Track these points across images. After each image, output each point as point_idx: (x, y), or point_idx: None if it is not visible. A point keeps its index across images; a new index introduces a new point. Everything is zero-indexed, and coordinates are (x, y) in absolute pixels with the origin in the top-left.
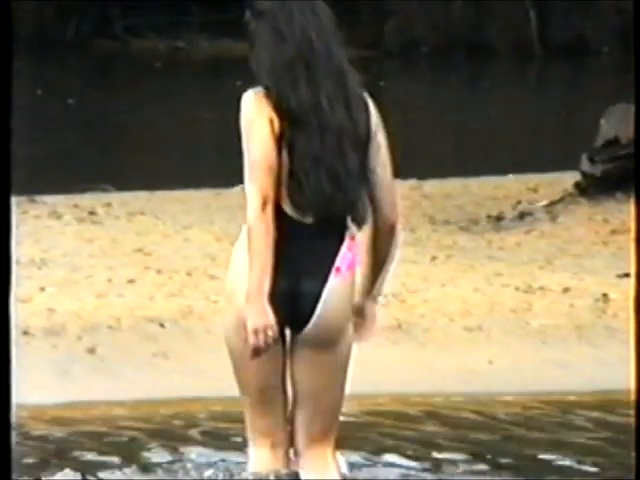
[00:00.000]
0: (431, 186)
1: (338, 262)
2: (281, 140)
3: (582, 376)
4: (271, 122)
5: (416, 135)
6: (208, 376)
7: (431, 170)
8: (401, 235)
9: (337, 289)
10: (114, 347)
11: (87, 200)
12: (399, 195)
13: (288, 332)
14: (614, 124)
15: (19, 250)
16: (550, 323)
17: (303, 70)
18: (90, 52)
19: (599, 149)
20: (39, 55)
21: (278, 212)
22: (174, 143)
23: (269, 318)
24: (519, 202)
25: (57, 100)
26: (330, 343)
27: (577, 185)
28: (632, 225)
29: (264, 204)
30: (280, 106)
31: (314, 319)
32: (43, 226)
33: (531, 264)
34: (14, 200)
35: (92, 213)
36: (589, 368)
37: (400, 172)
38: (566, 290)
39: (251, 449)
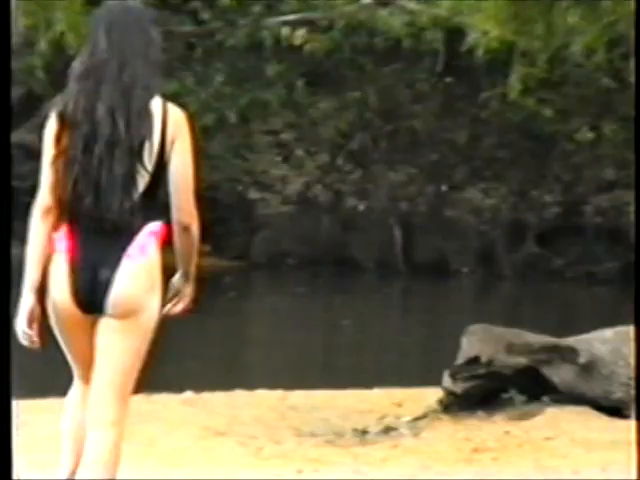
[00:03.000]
0: (298, 397)
1: (129, 250)
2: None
3: None
4: (52, 129)
5: (284, 347)
6: None
7: (298, 381)
8: (197, 237)
9: (127, 272)
10: None
11: None
12: (192, 202)
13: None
14: (474, 343)
15: None
16: None
17: (93, 84)
18: None
19: (460, 367)
20: None
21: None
22: None
23: (21, 322)
24: (384, 416)
25: None
26: (127, 317)
27: (440, 402)
28: (493, 444)
29: (43, 211)
30: (62, 112)
31: (109, 302)
32: None
33: None
34: None
35: None
36: None
37: (267, 382)
38: None
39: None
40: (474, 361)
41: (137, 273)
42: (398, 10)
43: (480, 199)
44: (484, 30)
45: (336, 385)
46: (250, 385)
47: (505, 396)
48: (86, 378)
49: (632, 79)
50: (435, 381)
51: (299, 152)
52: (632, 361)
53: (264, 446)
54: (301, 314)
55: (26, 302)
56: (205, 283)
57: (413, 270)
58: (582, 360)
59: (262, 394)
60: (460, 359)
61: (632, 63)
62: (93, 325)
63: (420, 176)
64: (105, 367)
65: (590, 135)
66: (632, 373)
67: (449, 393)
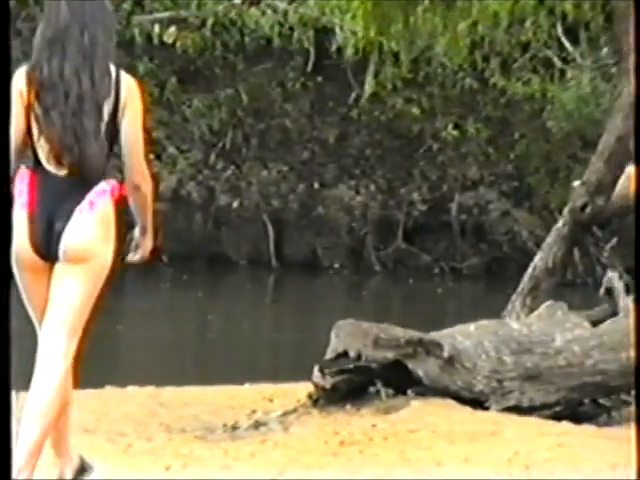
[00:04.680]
0: (168, 394)
1: (81, 205)
2: (32, 107)
3: None
4: (21, 93)
5: (156, 343)
6: None
7: (169, 378)
8: (148, 194)
9: (76, 224)
10: None
11: None
12: (142, 163)
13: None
14: (342, 338)
15: None
16: None
17: (60, 47)
18: None
19: (329, 362)
20: None
21: (39, 167)
22: None
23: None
24: (254, 411)
25: None
26: (77, 262)
27: (309, 396)
28: (360, 437)
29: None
30: (35, 76)
31: (60, 250)
32: None
33: (265, 474)
34: None
35: None
36: None
37: (138, 379)
38: None
39: None
40: (343, 356)
41: (85, 225)
42: (268, 9)
43: (350, 196)
44: (352, 30)
45: (207, 381)
46: (121, 382)
47: (372, 390)
48: (42, 319)
49: (493, 79)
50: (306, 376)
51: (171, 149)
52: (493, 354)
53: (133, 443)
54: (173, 311)
55: None
56: None
57: (285, 266)
58: (446, 354)
59: (133, 391)
60: (329, 354)
61: (493, 63)
62: (51, 271)
63: (291, 174)
64: (57, 305)
65: (455, 134)
66: (493, 366)
67: (318, 388)
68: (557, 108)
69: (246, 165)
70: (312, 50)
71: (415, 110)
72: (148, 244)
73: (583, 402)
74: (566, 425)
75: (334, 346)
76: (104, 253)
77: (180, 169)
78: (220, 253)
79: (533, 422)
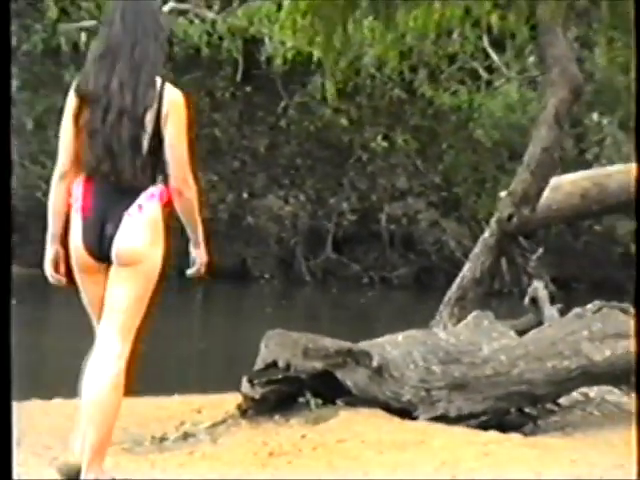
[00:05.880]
0: None
1: (130, 209)
2: (77, 118)
3: None
4: (72, 105)
5: (83, 354)
6: None
7: None
8: (193, 201)
9: (126, 228)
10: None
11: None
12: (183, 170)
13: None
14: (272, 348)
15: None
16: None
17: (109, 62)
18: None
19: (258, 372)
20: None
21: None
22: None
23: (47, 267)
24: (183, 423)
25: None
26: (129, 265)
27: (238, 407)
28: (289, 448)
29: (61, 175)
30: (81, 89)
31: (113, 254)
32: None
33: None
34: None
35: None
36: None
37: (64, 391)
38: None
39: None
40: (272, 366)
41: (135, 228)
42: (196, 19)
43: (279, 206)
44: (281, 40)
45: (135, 393)
46: (46, 394)
47: (302, 400)
48: (98, 317)
49: (421, 90)
50: (235, 387)
51: None
52: (421, 364)
53: (59, 456)
54: None
55: (49, 251)
56: None
57: (215, 276)
58: (375, 364)
59: (58, 403)
60: (258, 364)
61: (421, 74)
62: (106, 271)
63: (221, 183)
64: (110, 308)
65: (384, 144)
66: (421, 376)
67: (247, 398)
68: (485, 116)
69: None
70: (241, 60)
71: (344, 121)
72: (203, 258)
73: (509, 411)
74: (493, 434)
75: (263, 356)
76: (153, 256)
77: None
78: None
79: (460, 431)
